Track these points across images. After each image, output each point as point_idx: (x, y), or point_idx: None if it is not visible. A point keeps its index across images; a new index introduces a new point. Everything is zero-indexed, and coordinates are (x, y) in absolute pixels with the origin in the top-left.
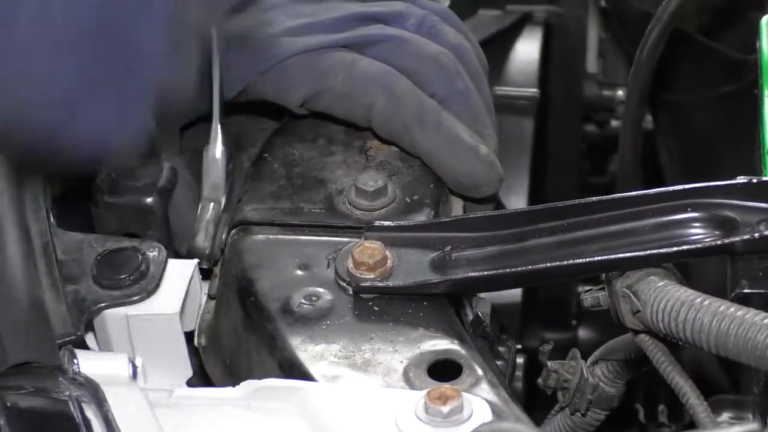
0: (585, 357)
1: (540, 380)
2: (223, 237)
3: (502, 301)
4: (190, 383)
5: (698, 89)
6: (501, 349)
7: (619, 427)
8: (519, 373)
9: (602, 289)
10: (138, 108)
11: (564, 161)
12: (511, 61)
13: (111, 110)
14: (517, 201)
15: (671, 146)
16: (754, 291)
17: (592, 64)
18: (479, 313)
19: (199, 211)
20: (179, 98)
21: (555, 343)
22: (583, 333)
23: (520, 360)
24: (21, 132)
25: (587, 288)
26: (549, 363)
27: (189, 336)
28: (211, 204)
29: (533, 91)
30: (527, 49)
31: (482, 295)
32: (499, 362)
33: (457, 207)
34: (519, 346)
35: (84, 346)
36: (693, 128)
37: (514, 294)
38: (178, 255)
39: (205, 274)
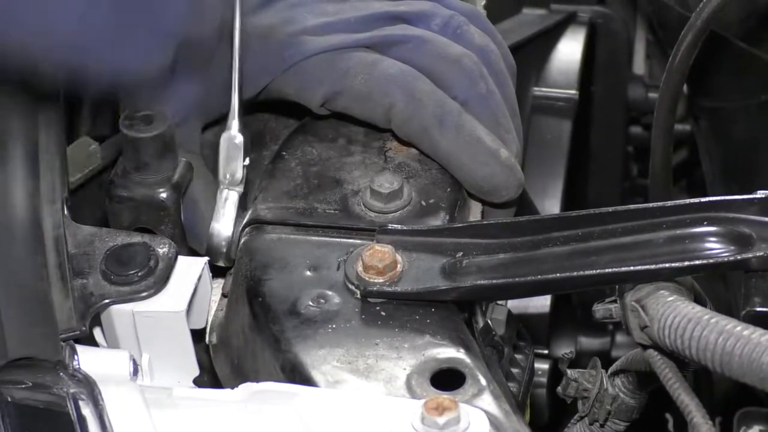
0: None
1: (559, 389)
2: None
3: (530, 308)
4: (200, 381)
5: (740, 96)
6: (518, 356)
7: None
8: (543, 380)
9: (615, 301)
10: (159, 43)
11: (607, 163)
12: (552, 61)
13: (133, 43)
14: (551, 203)
15: (712, 153)
16: (766, 309)
17: (639, 66)
18: (489, 321)
19: (216, 201)
20: (201, 39)
21: (591, 348)
22: (620, 338)
23: (545, 366)
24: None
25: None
26: (569, 371)
27: (200, 333)
28: (227, 191)
29: (572, 92)
30: (569, 50)
31: (510, 301)
32: (515, 370)
33: (475, 212)
34: (546, 352)
35: (91, 341)
36: (734, 135)
37: (544, 300)
38: (191, 252)
39: (221, 271)
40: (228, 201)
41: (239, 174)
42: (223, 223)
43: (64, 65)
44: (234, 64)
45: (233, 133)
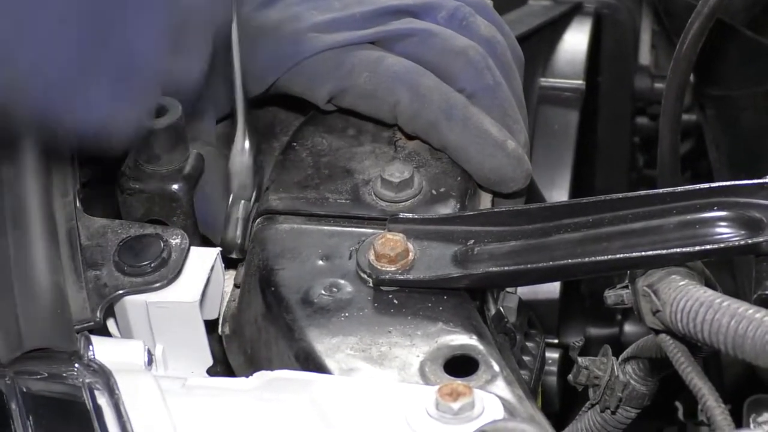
0: None
1: (570, 376)
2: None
3: (539, 296)
4: (213, 371)
5: (747, 85)
6: (529, 344)
7: (659, 423)
8: (554, 368)
9: (626, 287)
10: (134, 96)
11: (613, 153)
12: (558, 52)
13: (106, 96)
14: (558, 194)
15: (719, 141)
16: None
17: (645, 56)
18: (501, 308)
19: (228, 208)
20: (184, 90)
21: (600, 338)
22: (628, 328)
23: (555, 355)
24: (22, 108)
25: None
26: (579, 359)
27: (213, 324)
28: (242, 202)
29: (579, 83)
30: (575, 41)
31: (519, 289)
32: (526, 357)
33: (485, 201)
34: (556, 341)
35: (104, 332)
36: (741, 124)
37: (553, 288)
38: (205, 242)
39: (234, 262)
40: (242, 204)
41: (249, 185)
42: (235, 223)
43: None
44: (236, 82)
45: (239, 149)
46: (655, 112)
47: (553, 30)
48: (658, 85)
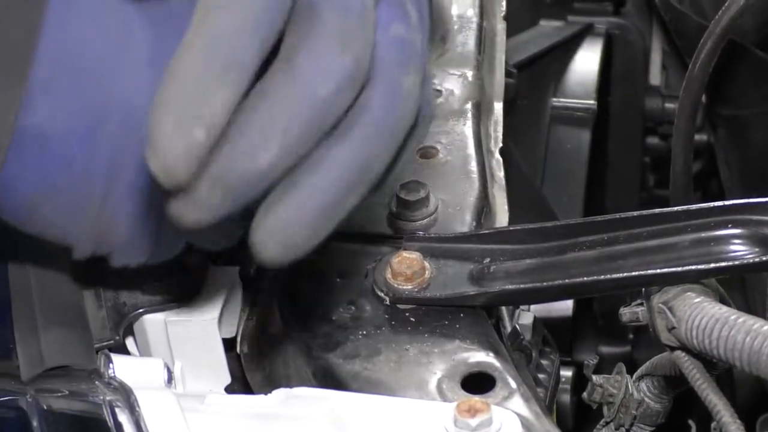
0: None
1: (585, 394)
2: None
3: (553, 314)
4: (231, 390)
5: (758, 104)
6: (544, 362)
7: None
8: (567, 386)
9: (641, 304)
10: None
11: (624, 173)
12: (570, 72)
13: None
14: (571, 213)
15: (730, 161)
16: None
17: (655, 76)
18: (517, 326)
19: None
20: None
21: (612, 357)
22: (641, 347)
23: (568, 373)
24: None
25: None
26: (594, 377)
27: (231, 342)
28: None
29: (591, 102)
30: (587, 61)
31: (533, 307)
32: (541, 375)
33: (501, 218)
34: (569, 359)
35: (123, 350)
36: (752, 143)
37: (566, 307)
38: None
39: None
40: None
41: None
42: None
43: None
44: None
45: None
46: (666, 132)
47: (564, 50)
48: (669, 105)
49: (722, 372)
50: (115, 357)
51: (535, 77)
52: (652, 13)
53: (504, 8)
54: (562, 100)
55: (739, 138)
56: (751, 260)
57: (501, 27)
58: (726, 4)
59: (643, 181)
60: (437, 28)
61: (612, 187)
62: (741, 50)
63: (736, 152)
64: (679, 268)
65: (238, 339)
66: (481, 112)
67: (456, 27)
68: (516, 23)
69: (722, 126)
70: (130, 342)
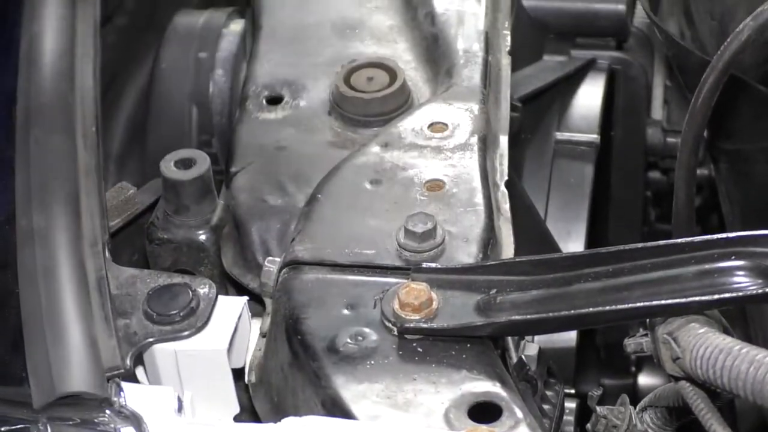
0: None
1: (589, 425)
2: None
3: (556, 345)
4: (239, 419)
5: (759, 139)
6: (548, 393)
7: None
8: (571, 418)
9: (645, 335)
10: None
11: (626, 207)
12: (573, 106)
13: None
14: (574, 246)
15: (732, 194)
16: None
17: (657, 111)
18: (523, 357)
19: None
20: None
21: (614, 389)
22: (643, 378)
23: (572, 405)
24: None
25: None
26: (598, 408)
27: (239, 372)
28: None
29: (594, 137)
30: (590, 95)
31: (537, 338)
32: (546, 406)
33: (507, 250)
34: (573, 391)
35: (134, 379)
36: (754, 177)
37: (569, 338)
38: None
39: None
40: None
41: None
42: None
43: None
44: None
45: None
46: (668, 166)
47: (567, 85)
48: (671, 140)
49: (726, 401)
50: (125, 385)
51: (539, 111)
52: (654, 48)
53: (509, 43)
54: (565, 133)
55: (741, 172)
56: (755, 291)
57: (506, 62)
58: (728, 40)
59: (645, 215)
60: (443, 63)
61: (615, 220)
62: (742, 85)
63: (738, 186)
64: (684, 300)
65: (246, 369)
66: (486, 146)
67: (462, 61)
68: (520, 58)
69: (724, 160)
70: (139, 371)
